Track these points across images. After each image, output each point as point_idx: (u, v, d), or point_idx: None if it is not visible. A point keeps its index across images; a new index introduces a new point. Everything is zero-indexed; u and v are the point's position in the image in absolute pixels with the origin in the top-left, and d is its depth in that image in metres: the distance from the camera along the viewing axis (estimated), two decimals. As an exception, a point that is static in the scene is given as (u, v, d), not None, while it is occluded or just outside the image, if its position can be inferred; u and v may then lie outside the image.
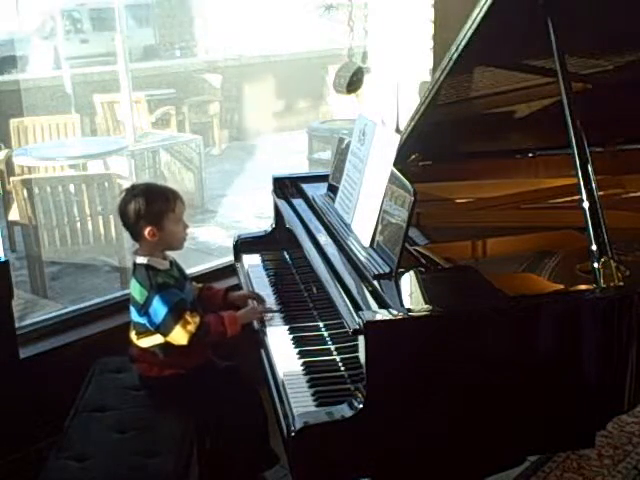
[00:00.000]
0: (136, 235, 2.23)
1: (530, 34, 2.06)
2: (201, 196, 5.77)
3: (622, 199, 2.62)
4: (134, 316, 2.24)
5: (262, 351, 2.16)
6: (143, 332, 2.24)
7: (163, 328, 2.17)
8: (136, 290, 2.20)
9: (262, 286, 2.52)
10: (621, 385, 1.85)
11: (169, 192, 2.25)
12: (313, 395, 1.85)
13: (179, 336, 2.16)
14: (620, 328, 1.82)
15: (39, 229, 4.11)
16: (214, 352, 2.35)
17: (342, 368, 1.96)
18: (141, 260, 2.22)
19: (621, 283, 1.83)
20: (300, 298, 2.37)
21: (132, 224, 2.22)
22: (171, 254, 2.32)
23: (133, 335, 2.28)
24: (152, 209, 2.18)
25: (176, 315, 2.15)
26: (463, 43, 2.09)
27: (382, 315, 1.71)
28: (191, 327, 2.15)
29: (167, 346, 2.20)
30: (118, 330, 2.57)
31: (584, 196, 1.90)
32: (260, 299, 2.38)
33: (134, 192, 2.22)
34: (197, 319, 2.18)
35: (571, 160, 1.96)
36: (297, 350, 2.08)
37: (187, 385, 2.24)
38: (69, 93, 5.78)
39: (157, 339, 2.21)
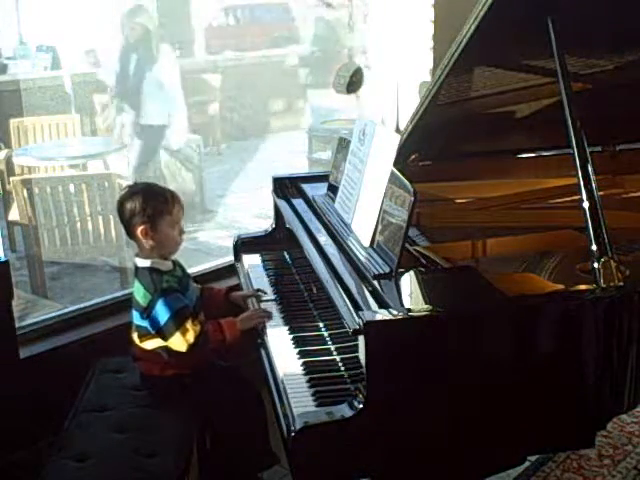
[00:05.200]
0: (130, 233, 2.23)
1: (530, 34, 2.06)
2: (201, 196, 5.76)
3: (622, 199, 2.62)
4: (136, 319, 2.24)
5: (262, 351, 2.16)
6: (145, 335, 2.24)
7: (164, 333, 2.17)
8: (140, 293, 2.20)
9: (262, 286, 2.52)
10: (621, 385, 1.85)
11: (168, 194, 2.24)
12: (313, 395, 1.85)
13: (178, 343, 2.16)
14: (620, 328, 1.82)
15: (39, 229, 4.11)
16: (215, 353, 2.35)
17: (342, 368, 1.96)
18: (143, 263, 2.22)
19: (621, 283, 1.83)
20: (300, 298, 2.37)
21: (127, 221, 2.21)
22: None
23: (135, 337, 2.28)
24: (148, 208, 2.17)
25: (178, 322, 2.15)
26: (463, 43, 2.09)
27: (382, 315, 1.71)
28: (190, 336, 2.15)
29: (171, 347, 2.20)
30: (118, 330, 2.57)
31: (584, 196, 1.90)
32: (262, 293, 2.39)
33: (133, 189, 2.23)
34: (197, 328, 2.18)
35: (571, 160, 1.96)
36: (297, 350, 2.08)
37: (187, 385, 2.24)
38: (69, 93, 5.77)
39: (161, 341, 2.21)
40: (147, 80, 4.83)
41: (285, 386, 1.91)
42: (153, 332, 2.20)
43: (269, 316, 2.29)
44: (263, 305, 2.36)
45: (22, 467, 2.50)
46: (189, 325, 2.16)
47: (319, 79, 5.62)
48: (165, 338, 2.18)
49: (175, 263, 2.29)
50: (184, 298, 2.21)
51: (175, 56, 5.26)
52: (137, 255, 2.26)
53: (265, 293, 2.42)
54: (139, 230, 2.18)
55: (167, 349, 2.22)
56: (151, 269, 2.21)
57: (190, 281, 2.33)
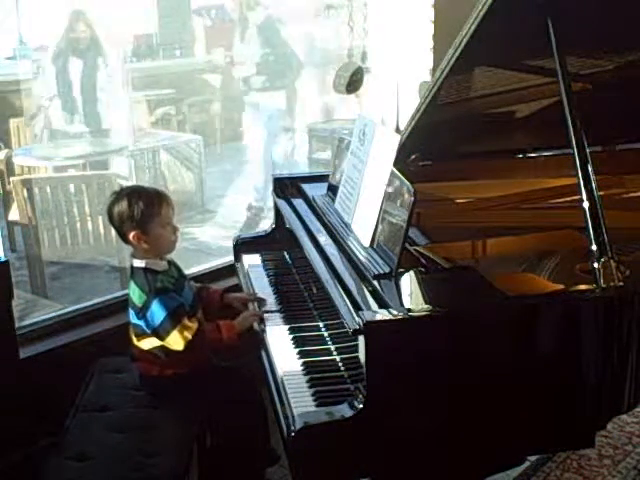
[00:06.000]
0: (123, 238, 2.23)
1: (530, 34, 2.06)
2: (201, 196, 5.76)
3: (622, 199, 2.61)
4: (132, 318, 2.25)
5: (262, 351, 2.16)
6: (142, 334, 2.24)
7: (160, 332, 2.17)
8: (135, 294, 2.21)
9: (262, 286, 2.52)
10: (621, 385, 1.85)
11: (154, 195, 2.22)
12: (313, 395, 1.85)
13: (175, 341, 2.16)
14: (620, 328, 1.82)
15: (39, 229, 4.11)
16: (214, 352, 2.35)
17: (342, 368, 1.96)
18: (138, 263, 2.22)
19: (621, 283, 1.83)
20: (300, 298, 2.37)
21: (118, 227, 2.22)
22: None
23: (133, 337, 2.28)
24: (135, 213, 2.16)
25: (174, 320, 2.15)
26: (463, 43, 2.09)
27: (382, 315, 1.72)
28: (188, 333, 2.16)
29: (167, 347, 2.20)
30: (118, 330, 2.57)
31: (584, 196, 1.90)
32: (260, 301, 2.38)
33: (119, 195, 2.22)
34: (195, 325, 2.18)
35: (571, 160, 1.96)
36: (297, 350, 2.08)
37: (187, 385, 2.24)
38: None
39: (157, 341, 2.21)
40: (91, 85, 4.78)
41: (285, 386, 1.91)
42: (149, 332, 2.20)
43: (266, 312, 2.30)
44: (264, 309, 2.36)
45: (22, 467, 2.50)
46: (185, 323, 2.16)
47: (273, 82, 5.44)
48: (162, 338, 2.18)
49: (171, 263, 2.30)
50: (179, 297, 2.21)
51: (121, 59, 5.19)
52: (133, 255, 2.26)
53: (263, 300, 2.39)
54: (131, 236, 2.18)
55: (164, 349, 2.22)
56: (146, 269, 2.21)
57: (186, 282, 2.33)
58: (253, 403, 2.30)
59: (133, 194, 2.20)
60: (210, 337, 2.21)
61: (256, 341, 2.23)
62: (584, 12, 2.01)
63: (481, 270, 1.97)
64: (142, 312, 2.18)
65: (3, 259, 2.62)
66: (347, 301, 1.85)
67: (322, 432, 1.68)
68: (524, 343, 1.78)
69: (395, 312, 1.72)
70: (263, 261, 2.73)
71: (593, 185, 1.91)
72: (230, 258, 2.92)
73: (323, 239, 2.23)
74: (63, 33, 4.71)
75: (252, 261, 2.73)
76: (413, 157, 2.60)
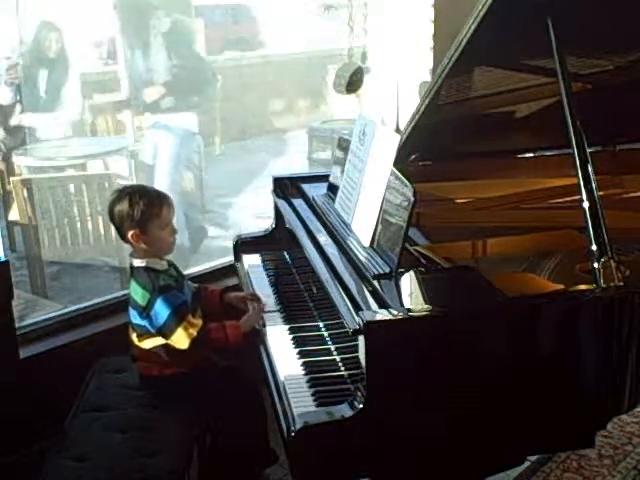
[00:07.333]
0: (123, 237, 2.23)
1: (530, 34, 2.06)
2: (201, 196, 5.76)
3: (622, 199, 2.62)
4: (134, 318, 2.24)
5: (262, 351, 2.16)
6: (144, 334, 2.24)
7: (165, 330, 2.17)
8: (137, 293, 2.20)
9: (262, 286, 2.52)
10: (621, 385, 1.85)
11: (155, 196, 2.23)
12: (313, 395, 1.85)
13: (181, 339, 2.16)
14: (620, 328, 1.82)
15: (39, 229, 4.11)
16: (215, 352, 2.35)
17: (342, 368, 1.96)
18: (139, 263, 2.22)
19: (621, 283, 1.83)
20: (300, 298, 2.37)
21: (117, 226, 2.22)
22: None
23: (134, 337, 2.28)
24: (135, 212, 2.17)
25: (179, 318, 2.15)
26: (463, 43, 2.09)
27: (382, 315, 1.72)
28: (193, 330, 2.16)
29: (169, 346, 2.21)
30: (118, 330, 2.57)
31: (584, 196, 1.90)
32: (258, 299, 2.38)
33: (121, 193, 2.22)
34: (199, 322, 2.18)
35: (571, 160, 1.96)
36: (297, 350, 2.08)
37: (188, 385, 2.24)
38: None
39: (159, 340, 2.22)
40: (56, 93, 4.75)
41: (285, 386, 1.91)
42: (153, 331, 2.20)
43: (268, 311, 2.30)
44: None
45: (22, 467, 2.50)
46: (190, 320, 2.17)
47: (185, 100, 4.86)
48: (166, 336, 2.18)
49: (170, 263, 2.30)
50: (182, 295, 2.21)
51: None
52: (132, 255, 2.26)
53: (259, 300, 2.38)
54: (130, 235, 2.19)
55: (166, 348, 2.22)
56: (147, 268, 2.21)
57: (185, 282, 2.33)
58: (253, 403, 2.30)
59: (135, 194, 2.21)
60: (215, 336, 2.21)
61: (256, 341, 2.23)
62: (584, 12, 2.01)
63: (481, 270, 1.97)
64: (146, 311, 2.18)
65: (3, 259, 2.62)
66: (347, 301, 1.85)
67: (322, 432, 1.68)
68: (524, 343, 1.78)
69: (395, 312, 1.72)
70: (263, 261, 2.73)
71: (593, 185, 1.91)
72: (230, 258, 2.92)
73: (323, 239, 2.23)
74: (31, 44, 4.61)
75: (252, 261, 2.73)
76: (413, 157, 2.60)
